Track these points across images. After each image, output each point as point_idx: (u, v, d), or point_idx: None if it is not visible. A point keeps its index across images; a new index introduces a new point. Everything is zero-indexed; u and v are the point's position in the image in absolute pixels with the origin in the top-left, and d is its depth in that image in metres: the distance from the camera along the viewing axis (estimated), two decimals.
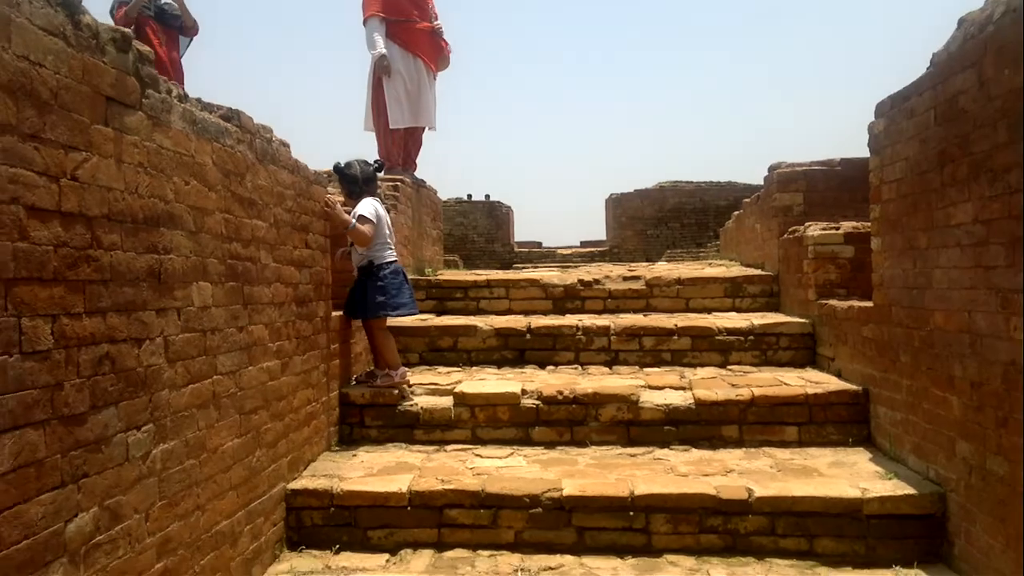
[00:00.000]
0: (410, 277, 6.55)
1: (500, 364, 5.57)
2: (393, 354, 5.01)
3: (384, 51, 7.16)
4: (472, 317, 6.18)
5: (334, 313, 4.70)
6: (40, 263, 2.06)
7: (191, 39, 7.88)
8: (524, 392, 4.71)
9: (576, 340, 5.59)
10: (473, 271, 7.45)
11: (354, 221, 4.67)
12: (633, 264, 8.98)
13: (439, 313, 6.45)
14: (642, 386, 4.86)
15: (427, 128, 7.68)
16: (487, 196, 31.16)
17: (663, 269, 7.72)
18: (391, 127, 7.25)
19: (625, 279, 6.59)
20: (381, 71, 7.24)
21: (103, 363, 2.32)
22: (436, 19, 7.49)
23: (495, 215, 19.23)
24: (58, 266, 2.13)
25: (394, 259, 4.98)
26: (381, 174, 5.28)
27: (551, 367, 5.51)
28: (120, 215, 2.43)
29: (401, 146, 7.48)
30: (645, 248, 18.22)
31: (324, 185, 4.57)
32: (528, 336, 5.61)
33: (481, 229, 19.04)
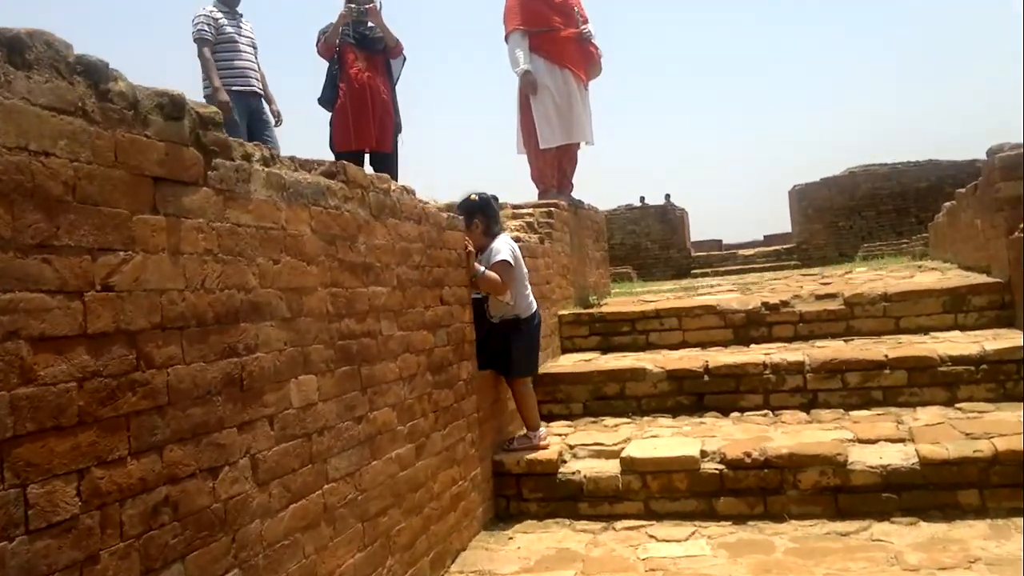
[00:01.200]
0: (573, 310, 5.97)
1: (675, 412, 4.86)
2: (534, 413, 4.48)
3: (527, 67, 6.62)
4: (641, 355, 5.51)
5: (479, 373, 4.18)
6: (56, 408, 1.62)
7: (402, 62, 7.70)
8: (704, 454, 4.01)
9: (764, 380, 4.80)
10: (640, 298, 6.76)
11: (483, 269, 4.15)
12: (826, 273, 7.99)
13: (604, 350, 5.82)
14: (849, 440, 4.03)
15: (583, 144, 7.07)
16: (667, 197, 30.18)
17: (863, 279, 6.74)
18: (541, 147, 6.70)
19: (818, 298, 5.71)
20: (526, 89, 6.70)
21: (159, 512, 1.86)
22: (584, 23, 6.87)
23: (668, 220, 18.38)
24: (85, 404, 1.69)
25: (536, 308, 4.46)
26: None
27: (735, 414, 4.74)
28: (179, 320, 1.98)
29: (555, 166, 6.91)
30: (837, 242, 16.78)
31: (459, 228, 4.06)
32: (706, 378, 4.88)
33: (655, 235, 18.23)
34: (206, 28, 7.21)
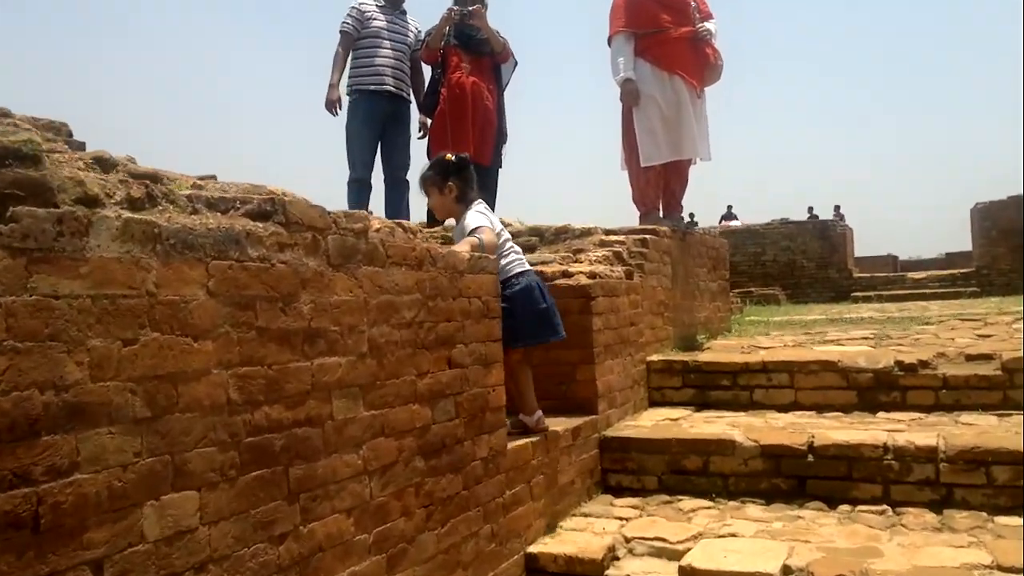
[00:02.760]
0: (666, 356, 5.12)
1: (769, 497, 3.94)
2: (529, 393, 3.80)
3: (628, 74, 5.80)
4: (740, 417, 4.60)
5: (514, 443, 3.46)
6: None
7: (513, 66, 7.21)
8: (788, 571, 3.11)
9: (884, 467, 3.81)
10: (753, 342, 5.78)
11: (473, 241, 3.47)
12: (991, 319, 6.67)
13: (699, 406, 4.94)
14: (987, 567, 3.03)
15: (697, 160, 6.16)
16: (836, 208, 28.27)
17: None
18: (643, 164, 5.87)
19: (969, 358, 4.60)
20: (627, 99, 5.88)
21: None
22: (704, 20, 5.96)
23: (828, 237, 16.85)
24: None
25: (523, 269, 3.77)
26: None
27: (844, 506, 3.78)
28: None
29: (659, 186, 6.06)
30: None
31: (489, 271, 3.35)
32: (810, 458, 3.93)
33: (811, 253, 16.75)
34: (349, 21, 6.95)
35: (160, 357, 1.87)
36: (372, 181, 7.17)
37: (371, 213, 4.47)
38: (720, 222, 26.25)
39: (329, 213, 2.44)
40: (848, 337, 5.84)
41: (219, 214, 2.10)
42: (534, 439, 3.64)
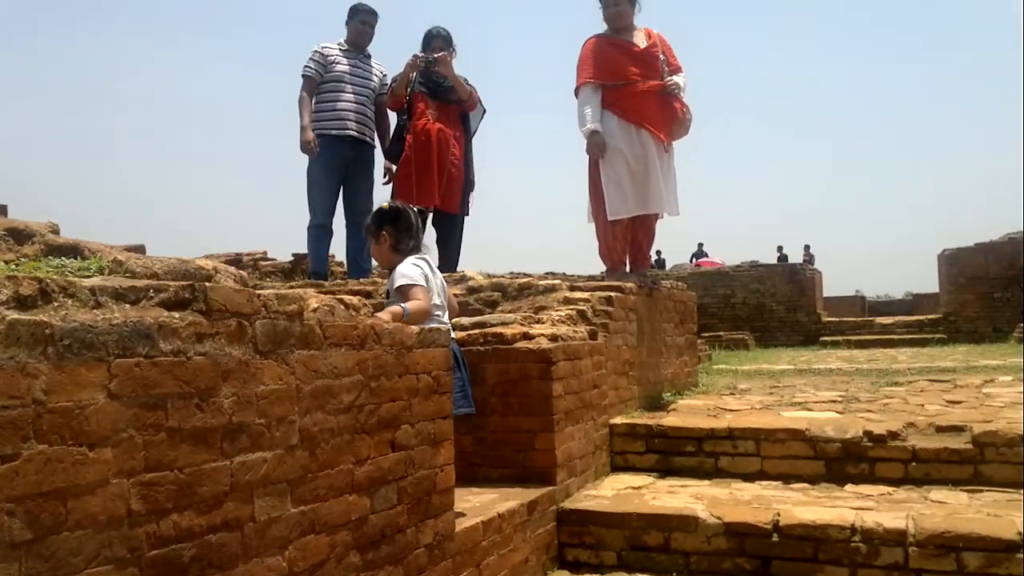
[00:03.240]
0: (629, 419, 4.96)
1: None
2: None
3: (595, 126, 5.68)
4: (703, 487, 4.43)
5: (464, 525, 3.26)
6: None
7: (481, 114, 7.13)
8: None
9: (851, 550, 3.64)
10: (719, 403, 5.61)
11: (404, 307, 3.29)
12: (960, 384, 6.57)
13: (663, 473, 4.76)
14: None
15: (665, 215, 6.04)
16: (806, 248, 28.41)
17: (1006, 399, 5.39)
18: (610, 218, 5.74)
19: (939, 429, 4.47)
20: (592, 151, 5.76)
21: None
22: (673, 74, 5.87)
23: (797, 280, 16.88)
24: None
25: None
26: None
27: None
28: None
29: (625, 240, 5.93)
30: (991, 315, 14.99)
31: (440, 344, 3.17)
32: (775, 538, 3.76)
33: (780, 296, 16.75)
34: (311, 65, 6.85)
35: (47, 472, 1.67)
36: (334, 227, 7.00)
37: (323, 283, 4.29)
38: (691, 260, 26.28)
39: (258, 296, 2.26)
40: (816, 400, 5.70)
41: (127, 306, 1.91)
42: (486, 518, 3.44)
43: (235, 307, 2.17)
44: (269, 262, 8.29)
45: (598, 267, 6.74)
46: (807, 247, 28.59)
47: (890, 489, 4.24)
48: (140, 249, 2.33)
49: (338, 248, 7.69)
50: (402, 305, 3.27)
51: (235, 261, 8.37)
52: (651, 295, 5.90)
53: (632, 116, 5.72)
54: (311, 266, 7.01)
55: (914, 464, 4.37)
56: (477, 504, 3.71)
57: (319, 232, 6.86)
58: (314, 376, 2.45)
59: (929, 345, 13.99)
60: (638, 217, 5.85)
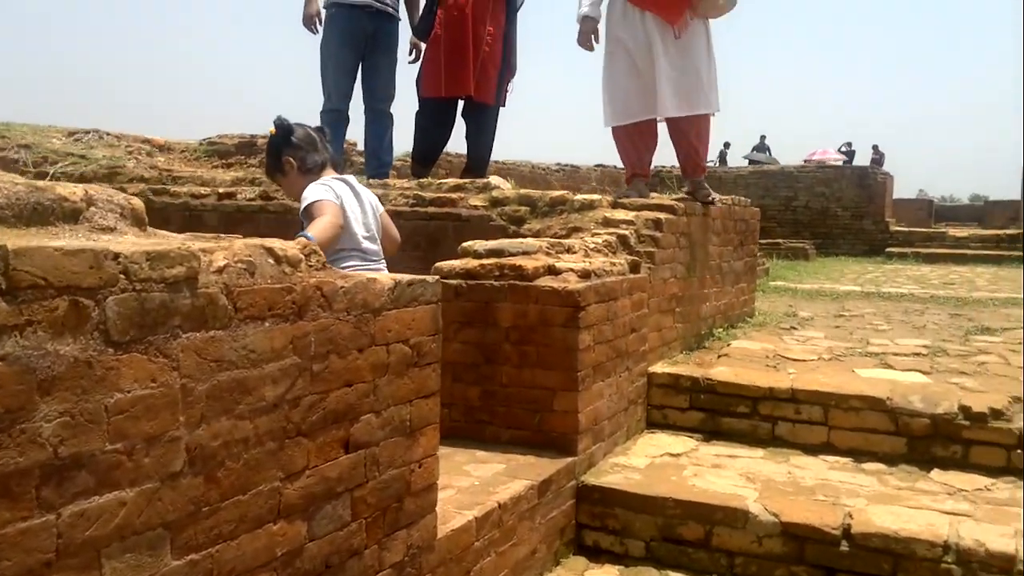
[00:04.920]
0: (678, 366, 4.21)
1: None
2: None
3: (587, 10, 4.72)
4: (758, 456, 3.68)
5: (451, 526, 2.56)
6: None
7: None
8: None
9: (940, 572, 2.89)
10: (780, 350, 4.77)
11: (310, 235, 2.56)
12: None
13: (709, 435, 4.01)
14: None
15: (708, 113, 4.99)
16: (874, 148, 26.71)
17: None
18: (604, 125, 4.83)
19: None
20: (581, 41, 4.83)
21: None
22: None
23: (866, 185, 15.66)
24: None
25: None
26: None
27: None
28: None
29: (643, 146, 4.95)
30: None
31: (421, 300, 2.38)
32: (844, 547, 3.01)
33: (847, 201, 15.59)
34: None
35: None
36: (352, 112, 6.16)
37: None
38: (751, 153, 24.90)
39: (116, 257, 1.48)
40: (895, 351, 4.82)
41: None
42: (480, 513, 2.73)
43: (65, 279, 1.39)
44: None
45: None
46: (875, 147, 26.92)
47: (988, 482, 3.45)
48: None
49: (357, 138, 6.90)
50: (304, 234, 2.49)
51: (249, 144, 7.63)
52: (707, 212, 5.00)
53: None
54: None
55: (1019, 451, 3.55)
56: (476, 483, 3.01)
57: (333, 118, 6.01)
58: (215, 368, 1.69)
59: (1005, 263, 12.89)
60: (653, 119, 4.84)
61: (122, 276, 1.49)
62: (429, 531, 2.44)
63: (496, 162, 11.36)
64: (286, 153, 3.06)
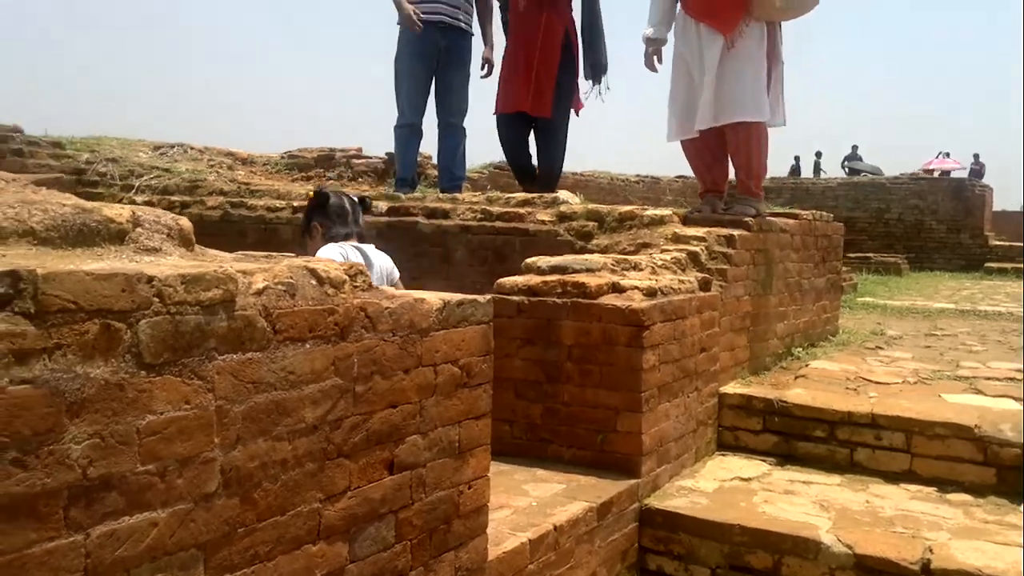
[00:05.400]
0: (751, 387, 4.07)
1: None
2: None
3: (651, 31, 4.64)
4: (834, 483, 3.51)
5: (504, 548, 2.50)
6: None
7: None
8: None
9: None
10: (863, 372, 4.56)
11: None
12: None
13: (783, 459, 3.86)
14: None
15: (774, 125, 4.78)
16: (975, 157, 25.61)
17: None
18: (667, 139, 4.72)
19: None
20: (647, 64, 4.73)
21: None
22: None
23: (963, 197, 15.01)
24: None
25: None
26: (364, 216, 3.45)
27: None
28: None
29: (709, 161, 4.80)
30: None
31: (471, 320, 2.34)
32: None
33: (942, 214, 14.97)
34: None
35: None
36: (425, 127, 6.19)
37: (366, 200, 3.53)
38: (843, 164, 24.20)
39: (151, 280, 1.48)
40: (987, 375, 4.56)
41: None
42: (535, 535, 2.67)
43: (96, 303, 1.40)
44: (363, 160, 7.60)
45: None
46: (976, 156, 25.80)
47: None
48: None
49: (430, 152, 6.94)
50: None
51: (328, 157, 7.75)
52: (783, 229, 4.82)
53: (691, 7, 4.53)
54: (398, 172, 6.23)
55: None
56: (534, 503, 2.95)
57: (407, 133, 6.05)
58: (252, 390, 1.68)
59: None
60: (721, 131, 4.64)
61: (156, 299, 1.49)
62: (479, 553, 2.39)
63: (574, 174, 11.26)
64: (316, 219, 3.25)
